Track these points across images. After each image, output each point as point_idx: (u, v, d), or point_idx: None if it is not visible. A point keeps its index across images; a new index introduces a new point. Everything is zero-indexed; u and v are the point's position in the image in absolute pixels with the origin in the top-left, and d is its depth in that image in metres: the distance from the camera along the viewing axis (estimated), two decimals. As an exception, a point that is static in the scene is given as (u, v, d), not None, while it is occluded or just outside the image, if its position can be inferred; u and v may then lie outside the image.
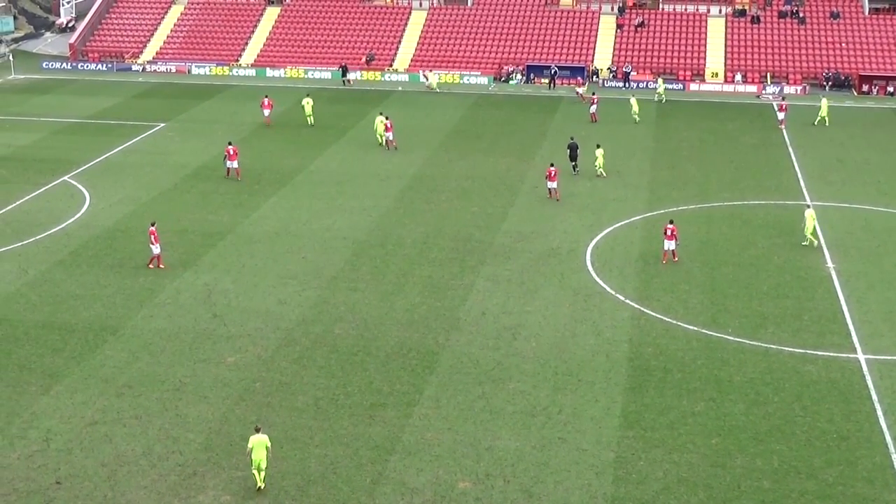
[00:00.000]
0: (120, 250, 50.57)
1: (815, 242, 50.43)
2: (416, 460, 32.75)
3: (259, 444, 31.62)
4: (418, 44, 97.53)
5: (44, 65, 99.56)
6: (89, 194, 59.32)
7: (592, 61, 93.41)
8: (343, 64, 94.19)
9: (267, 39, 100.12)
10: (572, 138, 65.43)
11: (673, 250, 48.54)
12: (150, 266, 48.26)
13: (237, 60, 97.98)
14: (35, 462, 32.66)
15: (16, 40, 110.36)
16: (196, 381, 37.54)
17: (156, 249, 48.07)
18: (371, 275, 47.26)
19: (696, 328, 41.84)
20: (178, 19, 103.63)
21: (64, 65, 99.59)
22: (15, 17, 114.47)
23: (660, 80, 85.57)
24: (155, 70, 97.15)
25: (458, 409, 35.66)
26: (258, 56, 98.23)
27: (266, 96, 77.57)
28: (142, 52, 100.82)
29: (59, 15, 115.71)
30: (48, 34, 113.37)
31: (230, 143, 64.32)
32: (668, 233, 48.52)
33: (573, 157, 62.81)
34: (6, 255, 50.12)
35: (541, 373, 38.20)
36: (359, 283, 46.22)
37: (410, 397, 36.41)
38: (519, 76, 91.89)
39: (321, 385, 37.27)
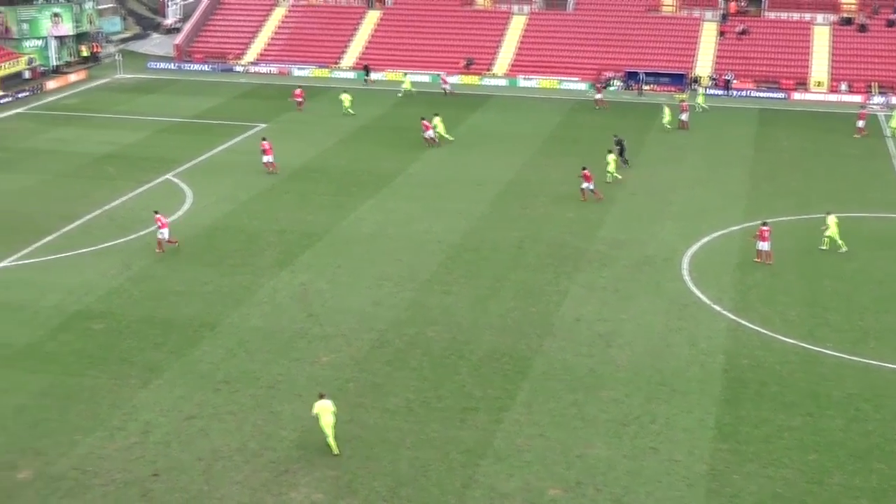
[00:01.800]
0: (219, 248, 51.38)
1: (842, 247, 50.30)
2: (507, 466, 32.71)
3: (324, 409, 33.23)
4: (517, 48, 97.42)
5: (150, 65, 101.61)
6: (191, 192, 60.39)
7: (693, 68, 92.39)
8: (366, 64, 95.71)
9: (367, 42, 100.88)
10: (616, 135, 67.13)
11: (767, 251, 48.16)
12: (160, 251, 50.20)
13: (337, 63, 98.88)
14: (133, 453, 33.35)
15: (124, 41, 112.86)
16: (290, 379, 37.97)
17: (162, 234, 50.30)
18: (465, 278, 47.33)
19: (794, 341, 41.12)
20: (280, 21, 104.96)
21: (169, 65, 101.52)
22: (123, 19, 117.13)
23: (700, 91, 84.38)
24: (257, 71, 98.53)
25: (550, 416, 35.53)
26: (358, 58, 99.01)
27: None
28: (244, 53, 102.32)
29: (165, 16, 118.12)
30: (155, 35, 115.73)
31: (264, 139, 65.81)
32: (762, 234, 48.32)
33: (621, 153, 64.80)
34: (111, 250, 51.26)
35: (634, 381, 37.88)
36: (453, 287, 46.33)
37: (502, 402, 36.38)
38: (618, 82, 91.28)
39: (413, 387, 37.42)
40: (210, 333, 41.68)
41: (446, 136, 71.08)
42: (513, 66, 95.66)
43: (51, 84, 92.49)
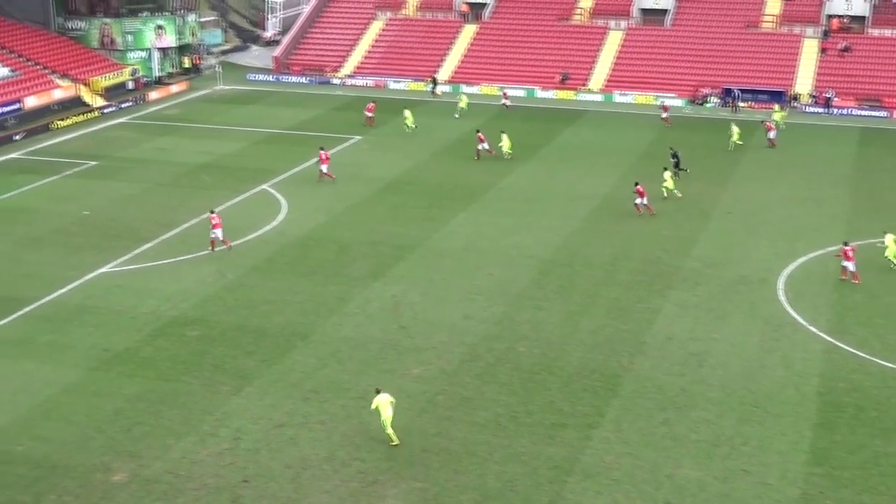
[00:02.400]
0: (312, 258, 51.89)
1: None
2: (595, 483, 32.45)
3: (383, 403, 34.43)
4: (613, 64, 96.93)
5: (249, 76, 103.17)
6: (286, 203, 61.12)
7: (792, 85, 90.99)
8: (433, 76, 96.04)
9: (463, 56, 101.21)
10: (672, 147, 67.49)
11: (853, 271, 47.54)
12: (213, 250, 52.21)
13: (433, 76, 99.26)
14: (224, 460, 33.79)
15: (224, 53, 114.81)
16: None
17: (215, 234, 52.03)
18: (557, 294, 47.13)
19: (893, 365, 40.16)
20: (377, 35, 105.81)
21: (268, 77, 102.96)
22: (224, 31, 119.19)
23: (776, 109, 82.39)
24: (353, 84, 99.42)
25: (640, 434, 35.18)
26: (454, 72, 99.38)
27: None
28: (341, 66, 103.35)
29: (265, 29, 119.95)
30: (254, 47, 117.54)
31: (322, 148, 66.67)
32: (846, 254, 47.99)
33: (677, 165, 65.43)
34: (207, 258, 52.09)
35: (726, 402, 37.33)
36: (544, 302, 46.15)
37: (591, 419, 36.12)
38: (715, 99, 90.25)
39: (503, 402, 37.34)
40: (301, 343, 42.09)
41: (509, 152, 70.50)
42: (608, 81, 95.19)
43: (153, 94, 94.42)
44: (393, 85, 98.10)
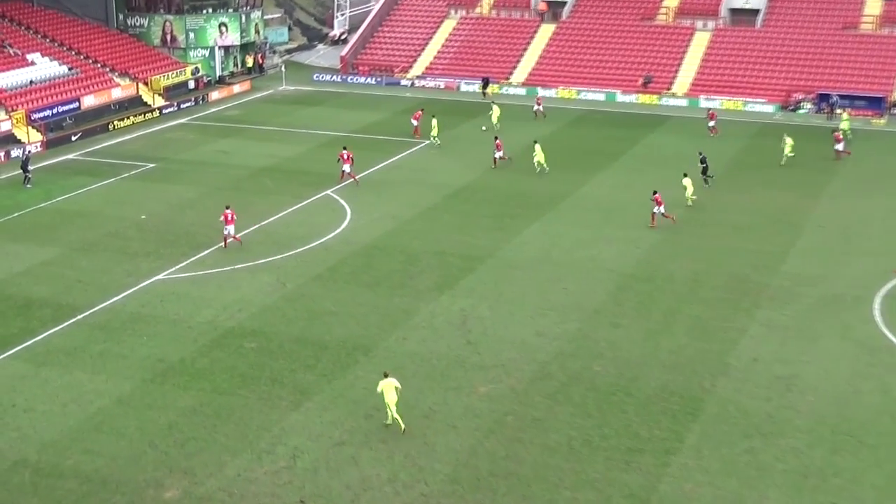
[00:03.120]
0: (377, 268, 51.98)
1: None
2: (673, 514, 32.04)
3: (388, 386, 36.22)
4: (700, 66, 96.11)
5: (315, 77, 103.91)
6: (350, 209, 61.34)
7: (893, 91, 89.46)
8: (485, 77, 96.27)
9: (539, 57, 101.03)
10: (700, 152, 66.90)
11: None
12: (236, 240, 54.32)
13: (508, 78, 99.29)
14: (281, 478, 33.88)
15: (289, 51, 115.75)
16: (446, 409, 38.04)
17: (228, 230, 53.95)
18: (635, 311, 46.71)
19: None
20: (449, 34, 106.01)
21: (334, 77, 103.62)
22: (290, 29, 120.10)
23: (844, 116, 79.26)
24: (423, 85, 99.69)
25: (722, 462, 34.67)
26: (529, 74, 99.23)
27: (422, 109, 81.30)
28: (411, 66, 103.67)
29: (332, 27, 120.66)
30: (321, 46, 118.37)
31: (345, 148, 67.24)
32: None
33: (705, 171, 65.40)
34: (266, 266, 52.43)
35: (816, 430, 36.67)
36: (622, 319, 45.77)
37: (670, 445, 35.69)
38: (809, 105, 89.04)
39: (576, 424, 37.05)
40: (364, 357, 42.14)
41: (544, 164, 68.59)
42: (694, 85, 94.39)
43: (214, 94, 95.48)
44: (465, 87, 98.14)
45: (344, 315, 46.30)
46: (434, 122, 77.21)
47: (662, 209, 58.17)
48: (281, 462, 34.81)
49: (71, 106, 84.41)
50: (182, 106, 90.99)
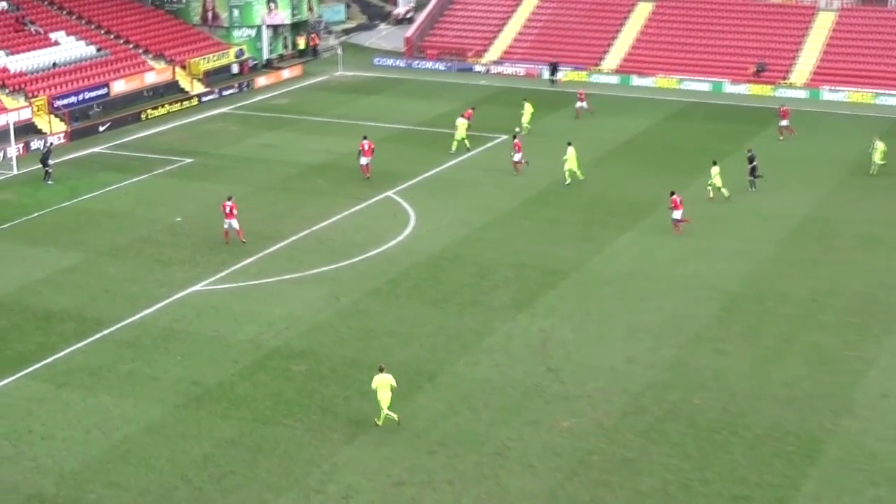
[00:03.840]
0: (445, 282, 52.05)
1: None
2: (786, 573, 31.69)
3: (383, 384, 38.53)
4: (822, 53, 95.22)
5: (375, 61, 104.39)
6: (415, 214, 61.49)
7: None
8: (554, 62, 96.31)
9: (635, 41, 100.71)
10: (749, 149, 67.13)
11: None
12: (243, 240, 56.14)
13: (597, 65, 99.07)
14: (331, 522, 34.02)
15: (347, 32, 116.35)
16: (522, 445, 37.96)
17: (235, 224, 56.13)
18: (743, 336, 46.35)
19: None
20: (530, 14, 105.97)
21: (397, 62, 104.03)
22: (347, 6, 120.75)
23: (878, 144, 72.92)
24: (500, 72, 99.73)
25: (844, 515, 34.30)
26: (623, 60, 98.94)
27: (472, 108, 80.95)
28: (486, 50, 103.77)
29: (396, 5, 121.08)
30: (383, 26, 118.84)
31: (365, 137, 68.15)
32: None
33: (753, 171, 65.43)
34: (318, 277, 52.71)
35: (956, 479, 36.15)
36: (727, 345, 45.44)
37: (784, 492, 35.36)
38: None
39: (672, 466, 36.82)
40: (428, 384, 42.18)
41: (578, 173, 66.87)
42: (815, 74, 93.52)
43: (261, 80, 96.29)
44: (548, 74, 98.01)
45: (406, 335, 46.40)
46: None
47: (679, 214, 58.40)
48: (331, 502, 34.92)
49: (99, 92, 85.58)
50: (224, 93, 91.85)
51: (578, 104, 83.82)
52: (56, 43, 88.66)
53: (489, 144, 75.91)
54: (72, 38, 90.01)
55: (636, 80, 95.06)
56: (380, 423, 38.78)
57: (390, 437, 38.51)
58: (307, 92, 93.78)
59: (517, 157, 68.98)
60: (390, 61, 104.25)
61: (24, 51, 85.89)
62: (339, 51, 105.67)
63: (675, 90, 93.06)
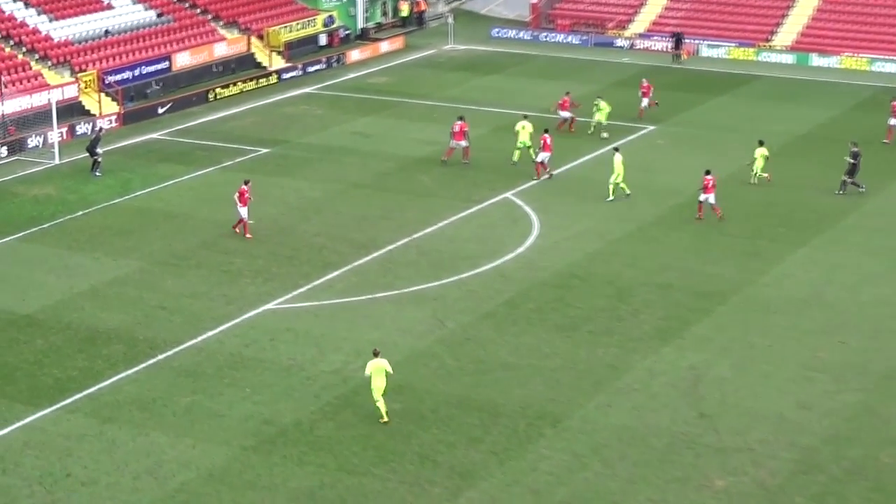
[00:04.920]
0: (574, 305, 51.95)
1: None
2: None
3: (378, 369, 41.86)
4: None
5: (493, 32, 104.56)
6: (538, 221, 61.49)
7: None
8: (677, 32, 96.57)
9: (815, 12, 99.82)
10: (854, 144, 66.71)
11: None
12: (236, 230, 59.24)
13: (768, 40, 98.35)
14: None
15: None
16: (666, 509, 37.86)
17: (243, 212, 58.75)
18: (949, 380, 45.81)
19: None
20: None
21: (521, 34, 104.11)
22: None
23: None
24: (647, 48, 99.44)
25: None
26: (800, 36, 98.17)
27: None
28: (630, 21, 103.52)
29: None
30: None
31: (461, 118, 69.57)
32: None
33: (852, 171, 65.73)
34: (420, 296, 52.89)
35: None
36: (927, 391, 44.94)
37: None
38: None
39: (854, 540, 36.44)
40: (551, 430, 42.10)
41: (623, 186, 64.96)
42: None
43: (354, 54, 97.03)
44: (706, 51, 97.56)
45: (525, 369, 46.38)
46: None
47: (712, 198, 60.25)
48: (429, 573, 35.06)
49: (159, 66, 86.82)
50: (309, 69, 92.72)
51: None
52: (109, 6, 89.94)
53: (631, 136, 75.69)
54: (128, 0, 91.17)
55: (816, 60, 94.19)
56: (385, 419, 42.01)
57: (504, 492, 38.45)
58: (410, 69, 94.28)
59: (542, 156, 67.81)
60: (512, 33, 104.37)
61: (70, 15, 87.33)
62: (450, 19, 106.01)
63: (866, 73, 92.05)
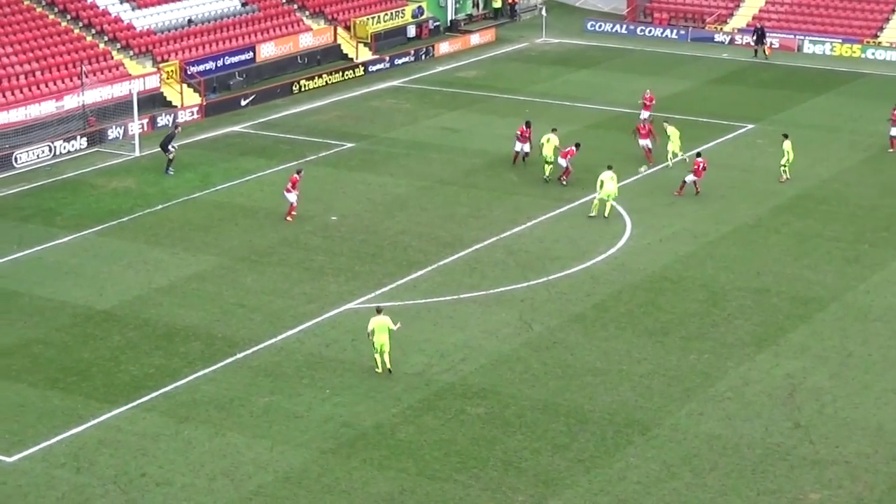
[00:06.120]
0: (666, 309, 51.85)
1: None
2: None
3: (381, 326, 44.90)
4: None
5: (588, 25, 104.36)
6: (630, 221, 61.38)
7: None
8: (759, 26, 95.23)
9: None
10: None
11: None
12: (288, 219, 61.24)
13: (875, 37, 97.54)
14: None
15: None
16: (758, 523, 37.72)
17: (291, 198, 61.26)
18: None
19: None
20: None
21: (616, 27, 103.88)
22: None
23: None
24: (747, 43, 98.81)
25: None
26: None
27: None
28: (731, 14, 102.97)
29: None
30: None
31: (527, 125, 69.12)
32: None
33: None
34: (505, 297, 52.95)
35: None
36: None
37: None
38: None
39: (954, 559, 36.15)
40: (640, 438, 42.02)
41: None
42: None
43: (444, 47, 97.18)
44: (809, 47, 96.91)
45: (614, 375, 46.34)
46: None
47: (692, 178, 63.29)
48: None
49: (242, 57, 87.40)
50: (397, 62, 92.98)
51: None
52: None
53: (730, 135, 75.33)
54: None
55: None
56: (379, 370, 45.90)
57: (589, 502, 38.43)
58: (500, 63, 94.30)
59: (565, 161, 67.01)
60: (607, 26, 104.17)
61: (154, 4, 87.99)
62: (543, 12, 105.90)
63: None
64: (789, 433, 42.39)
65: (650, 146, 69.37)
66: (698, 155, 64.45)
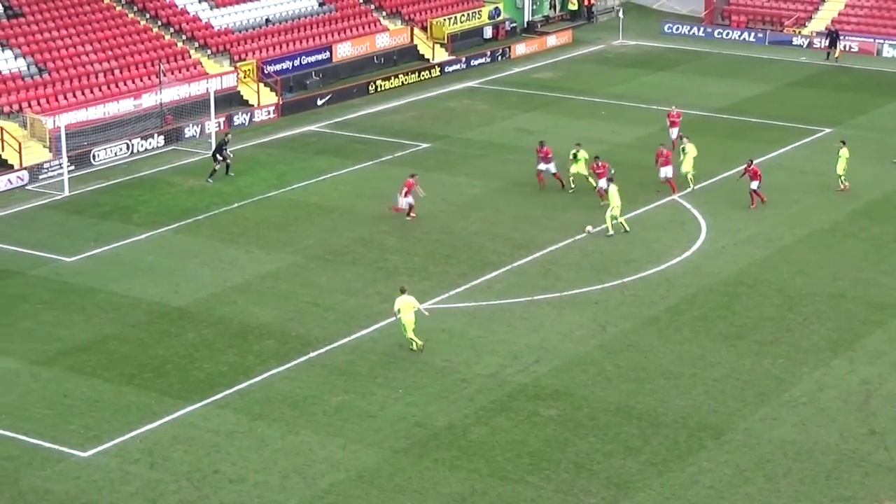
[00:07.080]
0: (740, 313, 51.64)
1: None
2: None
3: (407, 305, 46.72)
4: None
5: (665, 28, 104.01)
6: (706, 225, 61.15)
7: None
8: (833, 30, 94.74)
9: None
10: None
11: None
12: (409, 217, 61.57)
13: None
14: None
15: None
16: (835, 530, 37.51)
17: (403, 203, 61.51)
18: None
19: None
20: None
21: (693, 30, 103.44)
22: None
23: None
24: (826, 46, 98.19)
25: None
26: None
27: None
28: (810, 18, 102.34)
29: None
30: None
31: (542, 143, 66.66)
32: None
33: None
34: (579, 300, 52.92)
35: None
36: None
37: None
38: None
39: None
40: (713, 442, 41.89)
41: (622, 222, 60.95)
42: None
43: (520, 48, 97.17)
44: (889, 50, 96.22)
45: (687, 378, 46.21)
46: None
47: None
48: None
49: (319, 57, 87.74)
50: (473, 63, 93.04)
51: (674, 133, 72.53)
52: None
53: (808, 139, 74.92)
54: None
55: None
56: (413, 347, 47.68)
57: (661, 506, 38.48)
58: (577, 64, 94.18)
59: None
60: (684, 29, 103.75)
61: (231, 3, 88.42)
62: (621, 14, 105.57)
63: None
64: (864, 439, 42.12)
65: (669, 176, 65.29)
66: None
